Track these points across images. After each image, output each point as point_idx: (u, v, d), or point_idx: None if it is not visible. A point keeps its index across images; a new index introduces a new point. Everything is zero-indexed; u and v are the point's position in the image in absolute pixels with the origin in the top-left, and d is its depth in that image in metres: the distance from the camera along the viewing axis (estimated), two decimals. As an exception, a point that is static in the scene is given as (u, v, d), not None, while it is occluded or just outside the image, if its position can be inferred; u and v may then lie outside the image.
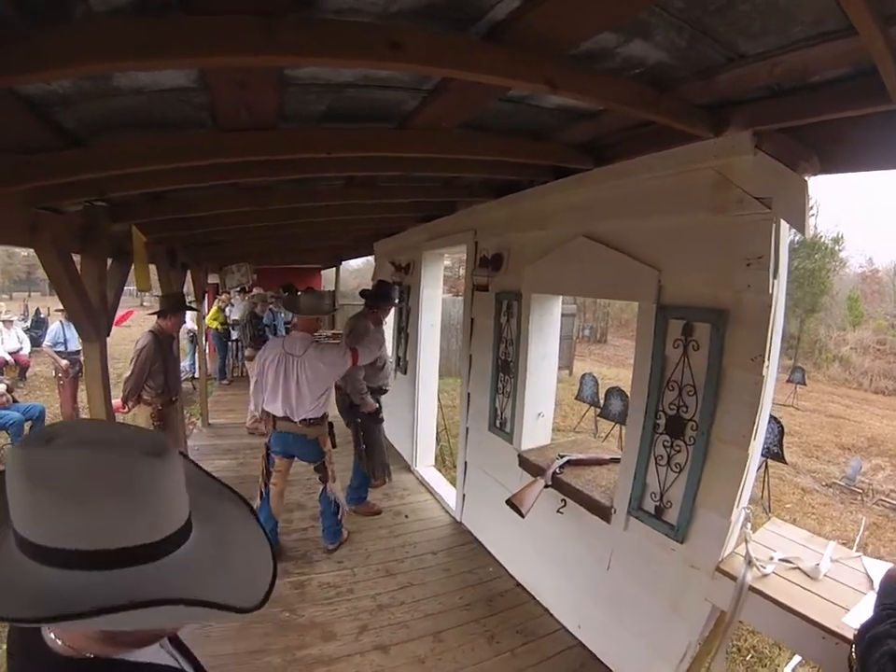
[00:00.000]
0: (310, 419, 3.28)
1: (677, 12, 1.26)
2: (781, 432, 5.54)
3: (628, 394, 7.43)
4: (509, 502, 2.69)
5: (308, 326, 3.39)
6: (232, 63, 1.30)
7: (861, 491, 7.24)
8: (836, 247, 23.36)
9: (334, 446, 3.56)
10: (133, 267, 3.22)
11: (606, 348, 23.67)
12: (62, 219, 2.45)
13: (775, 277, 1.85)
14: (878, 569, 1.88)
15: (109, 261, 2.98)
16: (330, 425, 3.52)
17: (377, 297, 4.14)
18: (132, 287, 4.75)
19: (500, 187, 3.44)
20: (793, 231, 1.89)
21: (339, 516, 3.55)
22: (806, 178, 1.78)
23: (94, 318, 2.62)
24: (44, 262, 2.38)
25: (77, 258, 2.60)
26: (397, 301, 4.40)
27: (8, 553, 0.61)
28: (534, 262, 3.07)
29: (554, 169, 2.80)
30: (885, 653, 1.20)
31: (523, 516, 2.64)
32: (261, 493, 3.44)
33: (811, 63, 1.42)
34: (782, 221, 1.83)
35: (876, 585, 1.47)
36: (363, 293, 4.27)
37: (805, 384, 13.95)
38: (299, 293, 3.60)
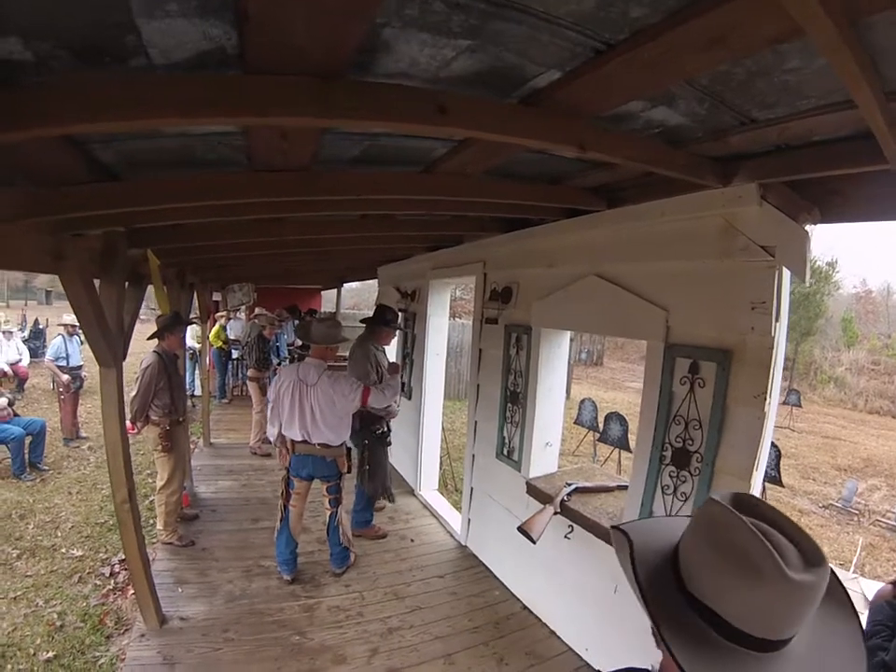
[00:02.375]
0: (328, 444, 3.36)
1: (701, 87, 1.38)
2: (778, 456, 5.66)
3: (626, 419, 7.64)
4: (520, 529, 2.76)
5: (322, 354, 3.46)
6: (286, 123, 1.39)
7: (857, 512, 7.36)
8: (831, 271, 23.69)
9: (349, 471, 3.62)
10: (147, 291, 3.26)
11: (603, 371, 23.72)
12: (83, 245, 2.47)
13: (777, 321, 1.97)
14: (873, 590, 1.97)
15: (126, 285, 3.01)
16: (348, 449, 3.58)
17: (377, 321, 4.22)
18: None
19: (509, 221, 3.54)
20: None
21: (343, 543, 3.58)
22: (807, 228, 1.92)
23: (112, 343, 2.63)
24: (67, 288, 2.40)
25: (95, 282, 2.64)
26: (399, 326, 4.45)
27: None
28: (543, 297, 3.18)
29: (565, 209, 2.90)
30: (876, 664, 1.30)
31: (534, 542, 2.71)
32: (281, 516, 3.48)
33: (816, 128, 1.56)
34: (784, 269, 1.96)
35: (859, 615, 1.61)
36: (364, 320, 4.34)
37: (800, 405, 14.12)
38: (310, 320, 3.66)
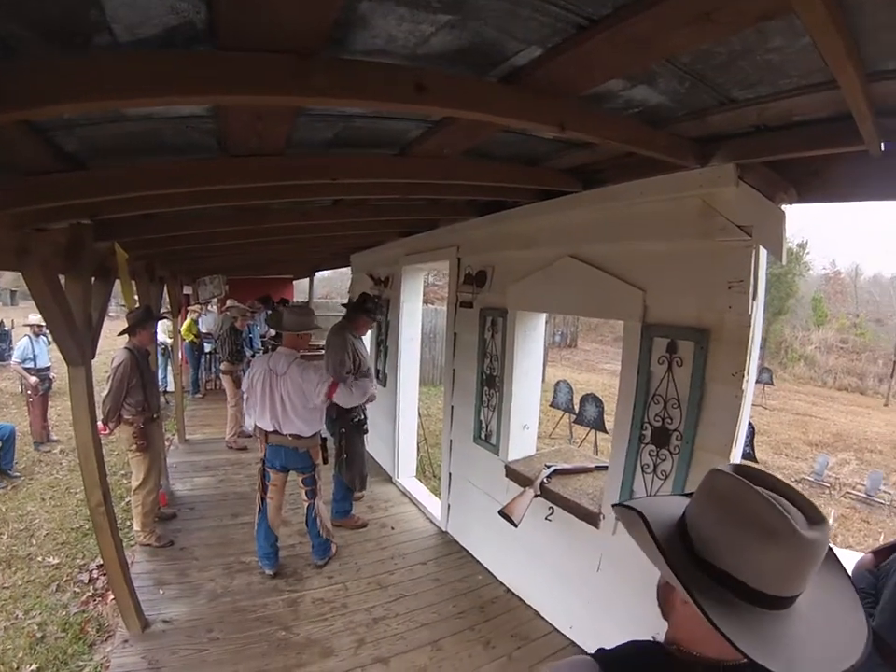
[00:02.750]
0: (301, 435, 3.30)
1: (682, 65, 1.37)
2: (753, 433, 5.84)
3: (603, 400, 7.75)
4: (501, 513, 2.78)
5: (293, 343, 3.40)
6: (262, 102, 1.33)
7: (828, 485, 7.71)
8: (802, 252, 24.31)
9: (325, 462, 3.58)
10: (114, 285, 3.14)
11: (577, 353, 24.01)
12: (48, 240, 2.37)
13: (754, 299, 2.00)
14: (847, 559, 2.05)
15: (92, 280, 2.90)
16: (324, 440, 3.53)
17: (357, 310, 4.17)
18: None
19: (484, 205, 3.52)
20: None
21: (323, 535, 3.55)
22: (784, 209, 1.94)
23: (80, 341, 2.53)
24: (31, 285, 2.29)
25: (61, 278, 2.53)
26: (376, 316, 4.41)
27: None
28: (519, 280, 3.17)
29: (541, 191, 2.89)
30: None
31: (516, 525, 2.73)
32: (259, 508, 3.43)
33: (796, 108, 1.57)
34: (761, 248, 1.99)
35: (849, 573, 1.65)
36: (345, 305, 4.28)
37: (772, 383, 14.62)
38: (282, 309, 3.59)
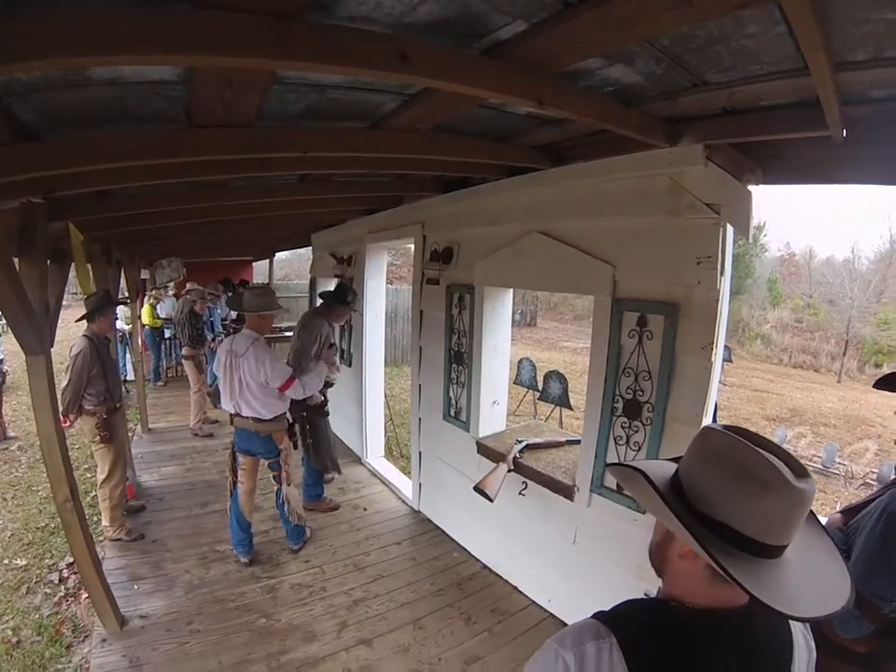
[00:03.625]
0: (261, 418, 3.25)
1: (661, 47, 1.40)
2: (716, 408, 6.05)
3: (566, 377, 7.90)
4: (476, 489, 2.81)
5: (255, 324, 3.32)
6: (240, 64, 1.27)
7: None
8: (759, 234, 25.14)
9: (295, 447, 3.54)
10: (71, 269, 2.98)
11: (537, 332, 24.19)
12: (-1, 220, 2.24)
13: (721, 275, 2.08)
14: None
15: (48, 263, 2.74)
16: (291, 423, 3.48)
17: (336, 300, 4.09)
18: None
19: (450, 182, 3.51)
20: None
21: (293, 521, 3.51)
22: (750, 189, 2.02)
23: (37, 328, 2.38)
24: (-19, 269, 2.16)
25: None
26: (356, 307, 4.35)
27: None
28: (486, 256, 3.19)
29: (508, 167, 2.90)
30: None
31: (492, 500, 2.77)
32: (230, 491, 3.39)
33: (765, 93, 1.63)
34: (728, 225, 2.06)
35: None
36: (323, 295, 4.21)
37: (731, 361, 15.15)
38: (243, 291, 3.48)
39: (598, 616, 0.85)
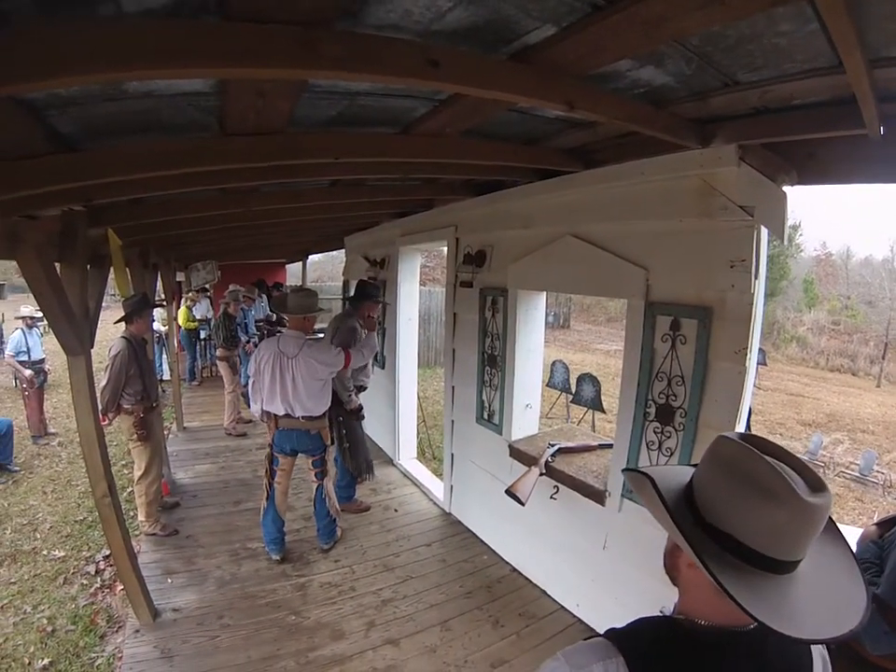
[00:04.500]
0: (312, 416, 3.32)
1: (692, 47, 1.37)
2: (749, 412, 5.90)
3: (599, 380, 7.80)
4: (508, 492, 2.81)
5: (300, 325, 3.39)
6: (271, 75, 1.30)
7: (823, 464, 7.75)
8: (794, 234, 24.37)
9: (332, 443, 3.60)
10: (110, 273, 3.10)
11: (570, 334, 23.99)
12: (40, 226, 2.32)
13: (756, 278, 2.02)
14: (846, 534, 2.11)
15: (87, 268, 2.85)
16: (330, 421, 3.53)
17: (360, 297, 4.15)
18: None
19: (480, 185, 3.50)
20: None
21: (333, 516, 3.57)
22: (785, 189, 1.96)
23: (78, 330, 2.50)
24: (26, 274, 2.24)
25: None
26: (381, 299, 4.39)
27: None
28: (519, 259, 3.17)
29: (539, 170, 2.88)
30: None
31: (523, 504, 2.76)
32: (266, 493, 3.44)
33: (798, 91, 1.59)
34: (763, 228, 2.00)
35: (852, 547, 1.72)
36: (346, 299, 4.28)
37: (765, 364, 14.76)
38: (286, 292, 3.55)
39: (609, 634, 0.84)
